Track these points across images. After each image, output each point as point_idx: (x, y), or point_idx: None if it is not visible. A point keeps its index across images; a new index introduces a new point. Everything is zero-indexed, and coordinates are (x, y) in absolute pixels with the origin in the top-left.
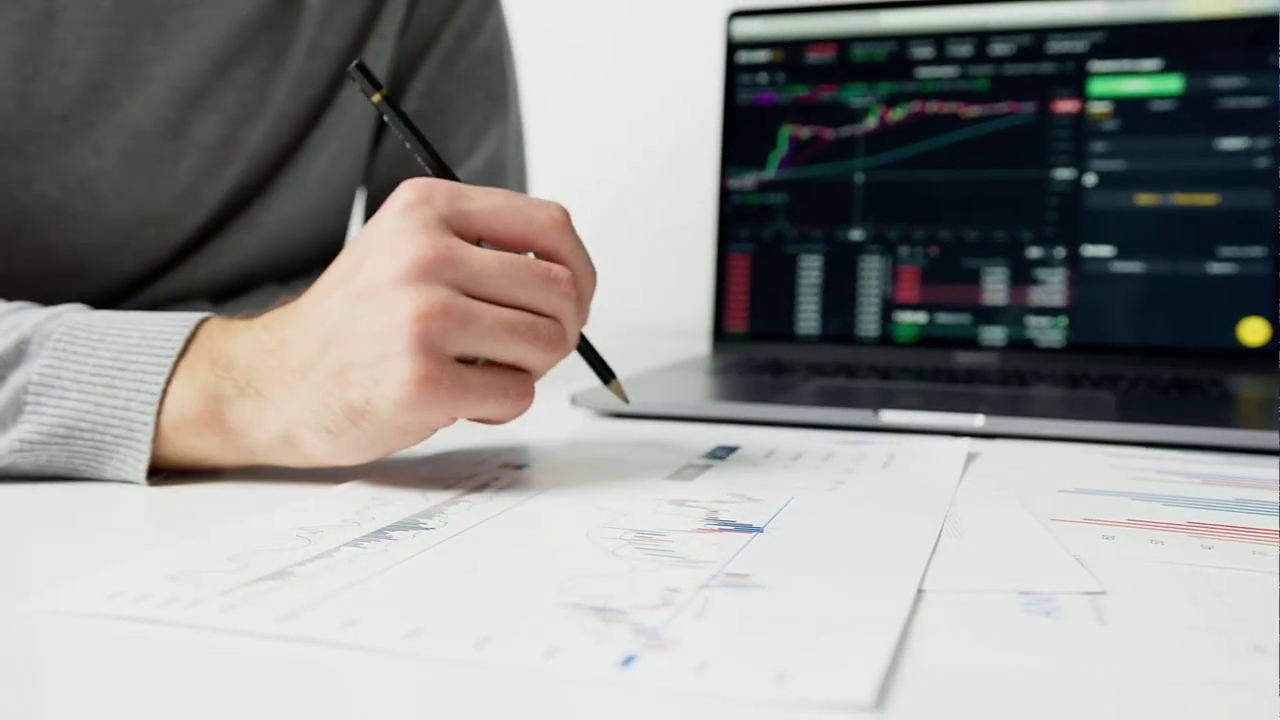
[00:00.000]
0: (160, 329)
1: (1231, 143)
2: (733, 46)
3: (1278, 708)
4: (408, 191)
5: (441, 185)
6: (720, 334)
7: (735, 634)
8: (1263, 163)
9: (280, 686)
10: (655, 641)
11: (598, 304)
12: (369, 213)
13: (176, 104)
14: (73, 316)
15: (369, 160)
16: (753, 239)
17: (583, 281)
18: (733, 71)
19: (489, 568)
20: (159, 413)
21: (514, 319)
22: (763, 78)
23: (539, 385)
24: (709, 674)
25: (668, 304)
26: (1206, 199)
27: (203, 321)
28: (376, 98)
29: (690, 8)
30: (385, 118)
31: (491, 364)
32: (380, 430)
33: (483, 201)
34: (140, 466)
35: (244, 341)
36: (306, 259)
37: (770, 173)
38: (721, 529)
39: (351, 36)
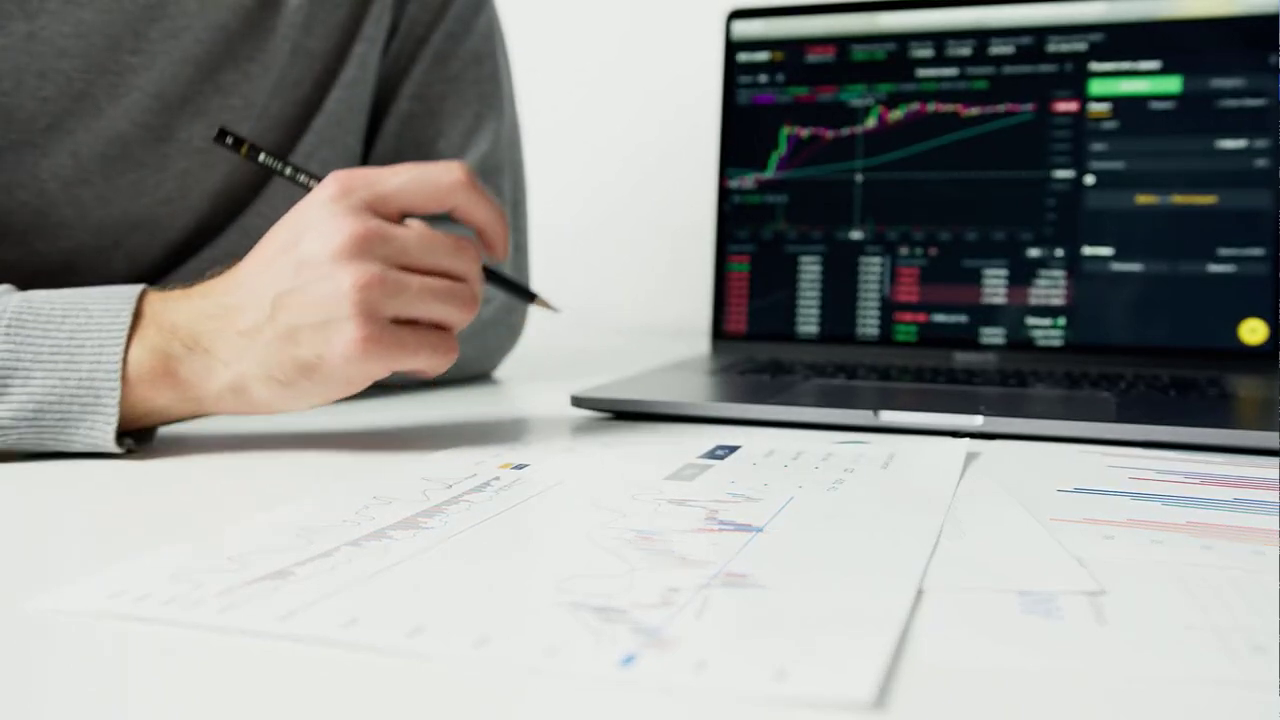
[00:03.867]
0: (105, 306)
1: (1231, 143)
2: (733, 47)
3: (1278, 707)
4: (332, 182)
5: (358, 175)
6: (720, 334)
7: (735, 633)
8: (1262, 163)
9: (281, 686)
10: (655, 640)
11: (599, 304)
12: None
13: (160, 110)
14: (12, 299)
15: (361, 163)
16: (752, 239)
17: (490, 232)
18: (732, 71)
19: (489, 567)
20: (122, 378)
21: (435, 285)
22: (763, 78)
23: (539, 385)
24: (709, 672)
25: (668, 304)
26: (1206, 199)
27: (141, 294)
28: (243, 151)
29: (690, 8)
30: (263, 162)
31: (417, 324)
32: (328, 381)
33: (393, 180)
34: (109, 430)
35: (184, 309)
36: None
37: (770, 173)
38: (721, 529)
39: (336, 39)
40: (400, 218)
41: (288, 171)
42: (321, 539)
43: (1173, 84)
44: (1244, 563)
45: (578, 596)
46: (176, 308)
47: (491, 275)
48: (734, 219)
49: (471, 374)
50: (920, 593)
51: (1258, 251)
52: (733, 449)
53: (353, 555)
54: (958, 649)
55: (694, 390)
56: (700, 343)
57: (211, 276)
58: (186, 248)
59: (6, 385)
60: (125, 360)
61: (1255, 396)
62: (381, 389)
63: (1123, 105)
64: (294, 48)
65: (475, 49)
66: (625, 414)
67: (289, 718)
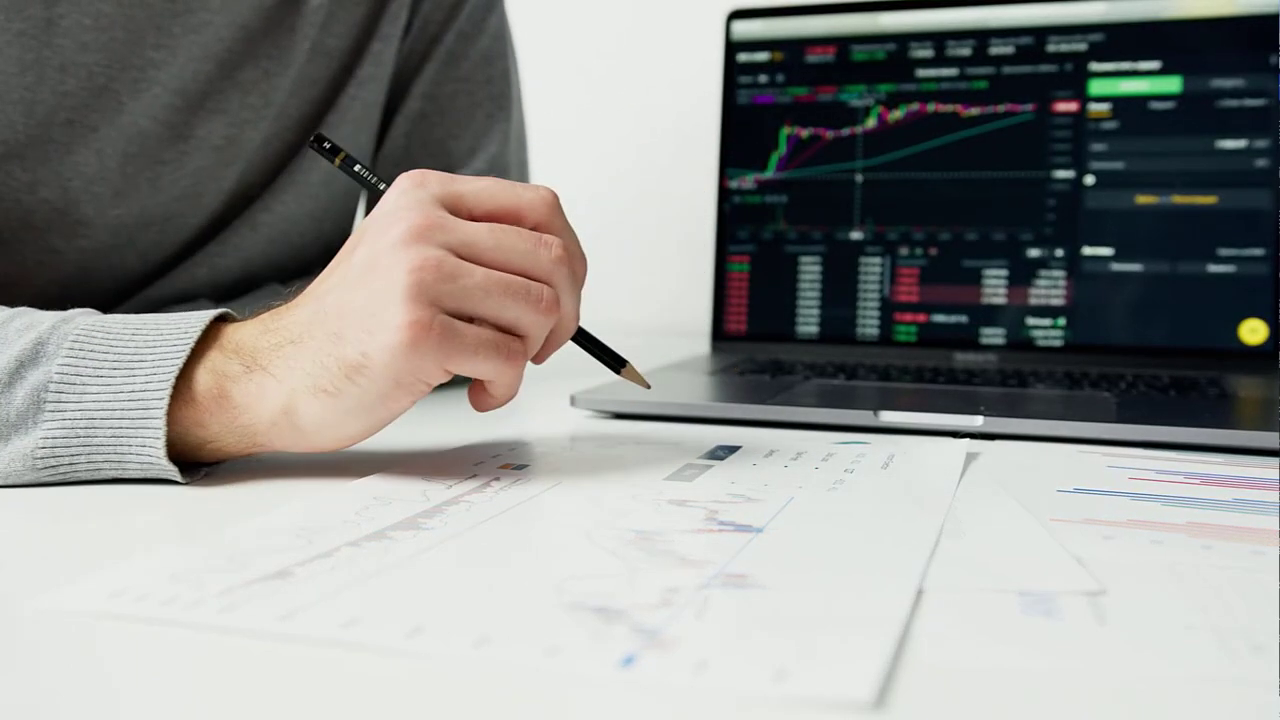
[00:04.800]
0: (175, 325)
1: (1231, 143)
2: (733, 47)
3: (1277, 707)
4: (403, 179)
5: (434, 172)
6: (720, 334)
7: (735, 633)
8: (1262, 163)
9: (280, 686)
10: (655, 641)
11: (599, 304)
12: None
13: (180, 107)
14: (86, 319)
15: (372, 162)
16: (753, 239)
17: (575, 263)
18: (732, 72)
19: (489, 567)
20: (173, 395)
21: (506, 278)
22: (763, 78)
23: (539, 385)
24: (708, 673)
25: (668, 304)
26: (1206, 199)
27: (218, 316)
28: (337, 161)
29: (690, 8)
30: (348, 174)
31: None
32: (376, 383)
33: (474, 183)
34: (159, 447)
35: (250, 328)
36: (308, 260)
37: (770, 173)
38: (721, 529)
39: (354, 38)
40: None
41: (382, 187)
42: (321, 539)
43: (1173, 84)
44: (1244, 563)
45: (577, 597)
46: (245, 328)
47: (577, 333)
48: (734, 219)
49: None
50: (920, 593)
51: (1258, 251)
52: (733, 449)
53: (352, 556)
54: (958, 649)
55: (694, 391)
56: (700, 343)
57: (286, 298)
58: (196, 243)
59: (61, 399)
60: (181, 379)
61: (1255, 396)
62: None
63: (1123, 105)
64: (313, 46)
65: (487, 49)
66: (625, 414)
67: (289, 718)
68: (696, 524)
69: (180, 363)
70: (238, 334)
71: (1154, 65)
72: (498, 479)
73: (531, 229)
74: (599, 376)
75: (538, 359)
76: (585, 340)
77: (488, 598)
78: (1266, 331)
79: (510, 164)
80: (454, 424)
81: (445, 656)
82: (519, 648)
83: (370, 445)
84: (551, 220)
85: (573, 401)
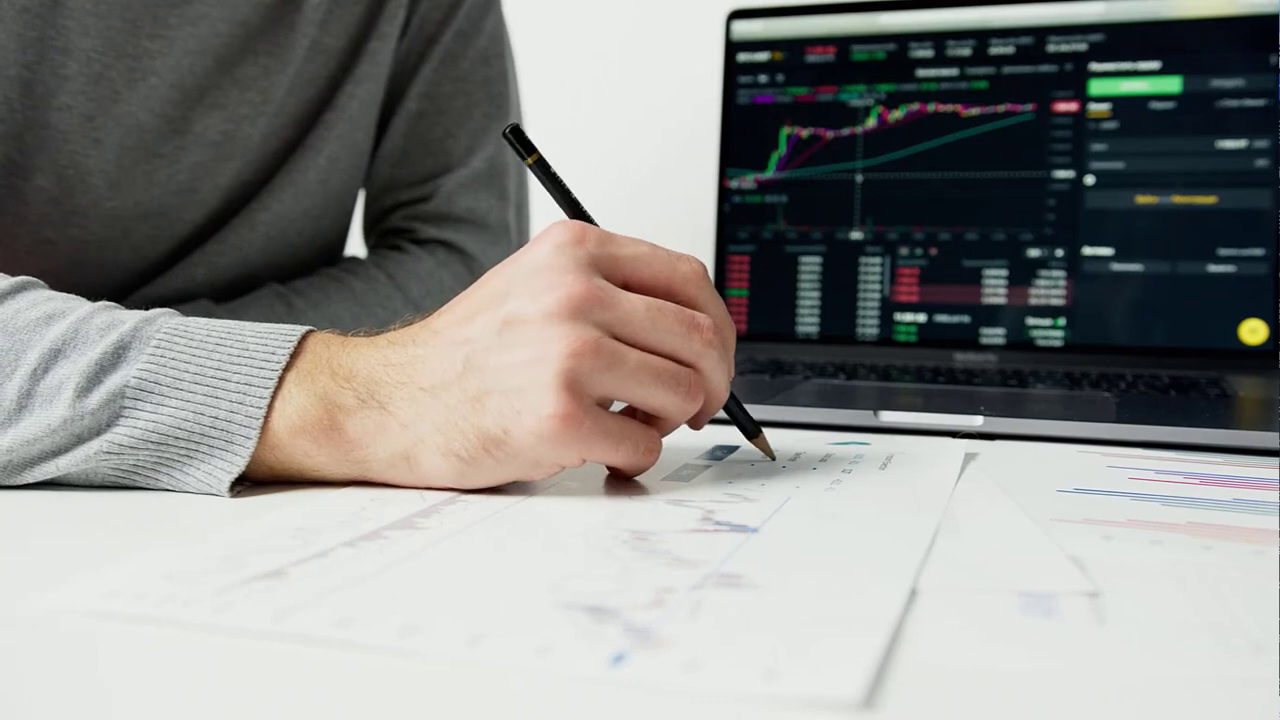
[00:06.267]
0: (261, 341)
1: (1231, 143)
2: (733, 47)
3: (1277, 707)
4: (560, 231)
5: (593, 229)
6: None
7: (726, 633)
8: (1262, 163)
9: (275, 685)
10: (646, 640)
11: None
12: (367, 214)
13: (178, 101)
14: (169, 321)
15: (369, 161)
16: (753, 239)
17: (725, 333)
18: (732, 72)
19: (484, 567)
20: (266, 421)
21: (658, 365)
22: (763, 78)
23: None
24: (698, 672)
25: None
26: (1206, 199)
27: (308, 334)
28: (530, 161)
29: (690, 8)
30: (538, 178)
31: (627, 410)
32: (512, 460)
33: (630, 248)
34: (228, 477)
35: (367, 354)
36: (305, 259)
37: (770, 173)
38: (717, 529)
39: (352, 36)
40: (624, 289)
41: (570, 195)
42: (318, 539)
43: (1173, 84)
44: (1244, 563)
45: (571, 596)
46: (357, 353)
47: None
48: (734, 219)
49: None
50: (916, 593)
51: (1258, 251)
52: (731, 449)
53: (348, 555)
54: (955, 649)
55: None
56: None
57: (404, 323)
58: (193, 241)
59: (136, 406)
60: (275, 403)
61: (1255, 396)
62: None
63: (1123, 105)
64: (312, 44)
65: (484, 49)
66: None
67: (283, 717)
68: (692, 524)
69: (270, 389)
70: (348, 358)
71: (1154, 65)
72: None
73: (682, 302)
74: None
75: (694, 426)
76: (731, 405)
77: (481, 597)
78: (1266, 331)
79: (508, 164)
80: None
81: (437, 655)
82: (510, 646)
83: None
84: (701, 293)
85: None
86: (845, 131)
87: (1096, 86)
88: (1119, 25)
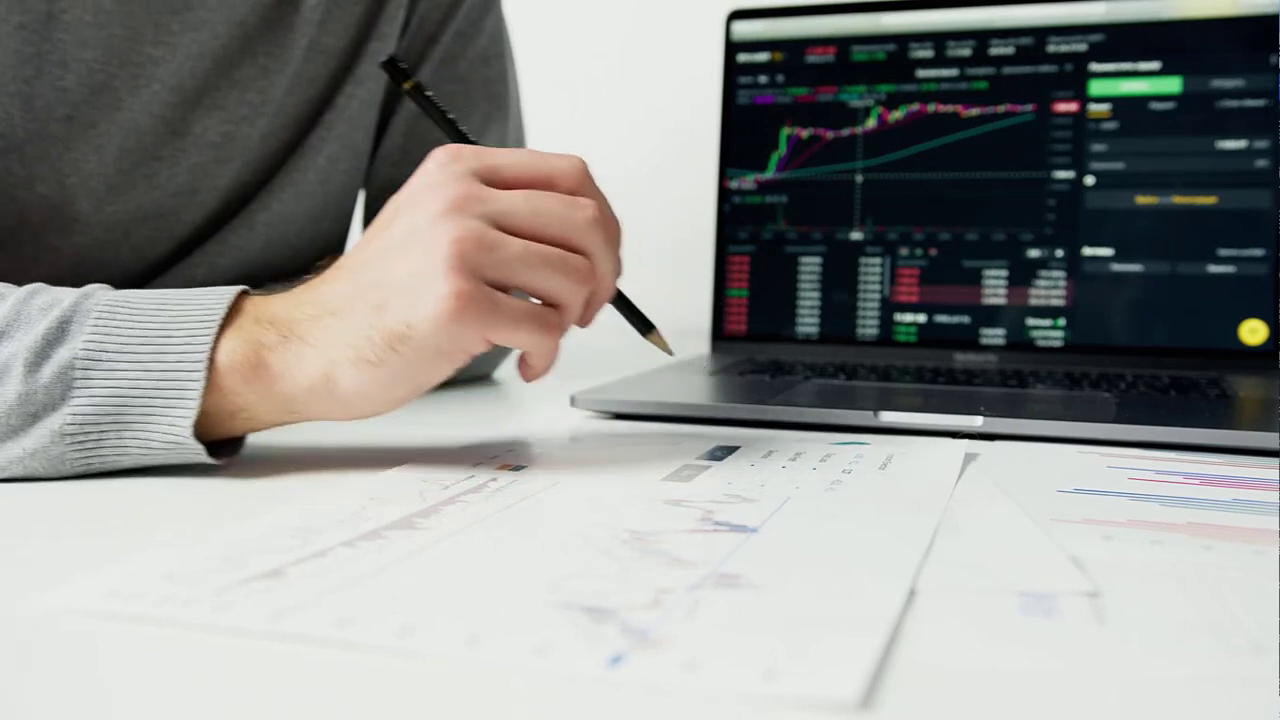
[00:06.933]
0: (200, 300)
1: (1231, 143)
2: (733, 47)
3: (1277, 706)
4: (439, 153)
5: (469, 146)
6: (720, 334)
7: (724, 633)
8: (1262, 163)
9: (274, 685)
10: (644, 640)
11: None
12: (368, 214)
13: (177, 104)
14: (107, 294)
15: (369, 162)
16: (753, 239)
17: (608, 223)
18: (733, 72)
19: (482, 567)
20: (209, 368)
21: (545, 250)
22: (763, 78)
23: (538, 386)
24: (696, 672)
25: (668, 304)
26: (1206, 199)
27: (242, 292)
28: (408, 86)
29: (690, 8)
30: (416, 103)
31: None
32: (419, 353)
33: (507, 155)
34: (187, 423)
35: (285, 301)
36: (305, 260)
37: (770, 173)
38: (716, 529)
39: (351, 37)
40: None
41: (451, 116)
42: (317, 539)
43: (1173, 84)
44: (1244, 563)
45: (569, 596)
46: (279, 302)
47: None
48: (734, 219)
49: (471, 375)
50: (916, 593)
51: (1258, 252)
52: (731, 449)
53: (347, 555)
54: (955, 649)
55: (693, 391)
56: (700, 343)
57: (318, 271)
58: (192, 242)
59: (88, 376)
60: (215, 351)
61: (1255, 396)
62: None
63: (1123, 105)
64: (311, 45)
65: (484, 49)
66: (624, 415)
67: (283, 717)
68: (691, 524)
69: (212, 337)
70: (269, 307)
71: (1154, 65)
72: (495, 479)
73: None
74: (599, 377)
75: (582, 322)
76: (620, 302)
77: (480, 596)
78: (1266, 331)
79: None
80: (454, 424)
81: (436, 655)
82: (509, 646)
83: (370, 445)
84: (583, 186)
85: (573, 402)
86: (845, 132)
87: (1096, 87)
88: (1119, 25)
